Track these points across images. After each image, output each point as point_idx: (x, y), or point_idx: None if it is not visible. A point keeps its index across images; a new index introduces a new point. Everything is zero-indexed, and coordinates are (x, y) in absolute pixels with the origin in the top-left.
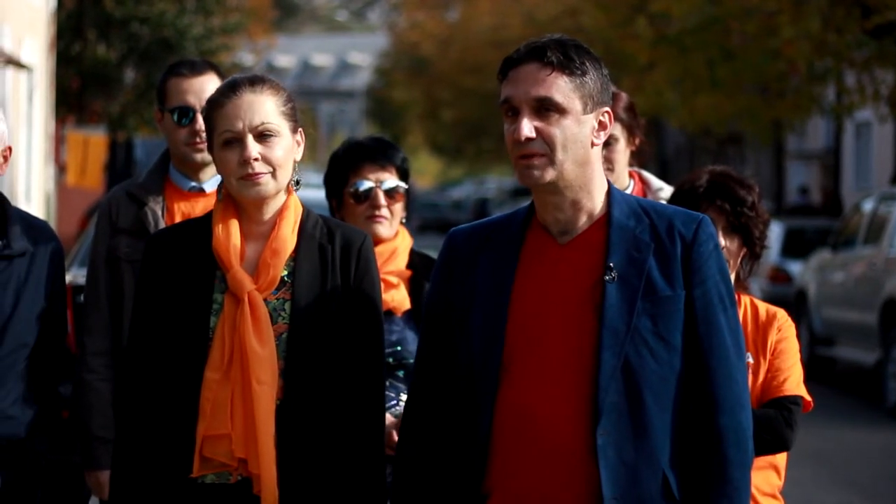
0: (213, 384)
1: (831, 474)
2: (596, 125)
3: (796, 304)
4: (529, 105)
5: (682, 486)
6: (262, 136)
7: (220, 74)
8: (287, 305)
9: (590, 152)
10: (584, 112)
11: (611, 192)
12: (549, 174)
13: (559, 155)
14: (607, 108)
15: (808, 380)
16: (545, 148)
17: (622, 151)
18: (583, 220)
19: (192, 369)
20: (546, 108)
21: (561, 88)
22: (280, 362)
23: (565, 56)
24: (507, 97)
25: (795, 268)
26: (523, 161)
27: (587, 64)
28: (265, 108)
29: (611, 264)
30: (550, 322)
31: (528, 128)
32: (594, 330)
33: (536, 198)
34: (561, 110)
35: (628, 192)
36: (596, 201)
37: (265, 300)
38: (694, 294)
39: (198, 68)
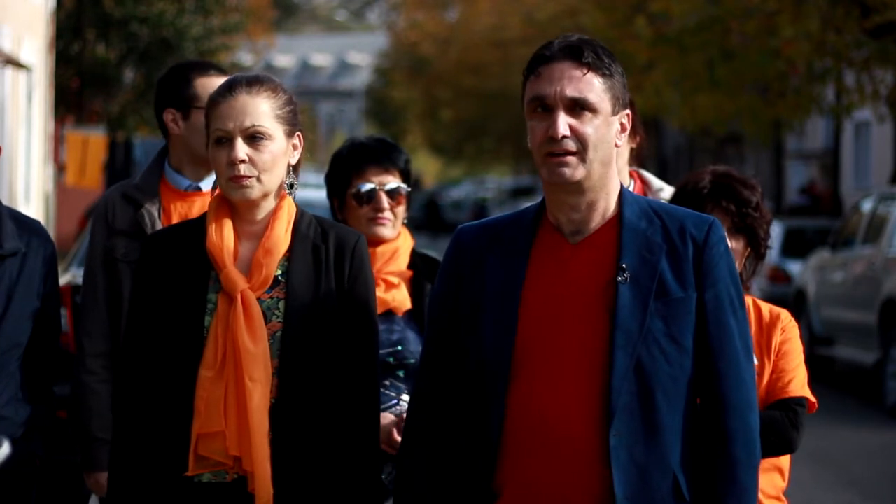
0: (207, 382)
1: (831, 474)
2: (619, 127)
3: (796, 304)
4: (564, 103)
5: (692, 486)
6: (252, 138)
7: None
8: (281, 304)
9: (613, 153)
10: (613, 113)
11: (623, 193)
12: (580, 173)
13: (590, 154)
14: (628, 111)
15: (808, 380)
16: (578, 146)
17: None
18: (595, 220)
19: (186, 368)
20: (581, 108)
21: (595, 89)
22: (274, 361)
23: (598, 57)
24: (541, 94)
25: (795, 268)
26: (554, 159)
27: (613, 66)
28: (259, 109)
29: (623, 265)
30: (562, 322)
31: (563, 125)
32: (607, 330)
33: (552, 197)
34: (594, 110)
35: None
36: (610, 201)
37: (259, 299)
38: (705, 296)
39: (223, 71)
